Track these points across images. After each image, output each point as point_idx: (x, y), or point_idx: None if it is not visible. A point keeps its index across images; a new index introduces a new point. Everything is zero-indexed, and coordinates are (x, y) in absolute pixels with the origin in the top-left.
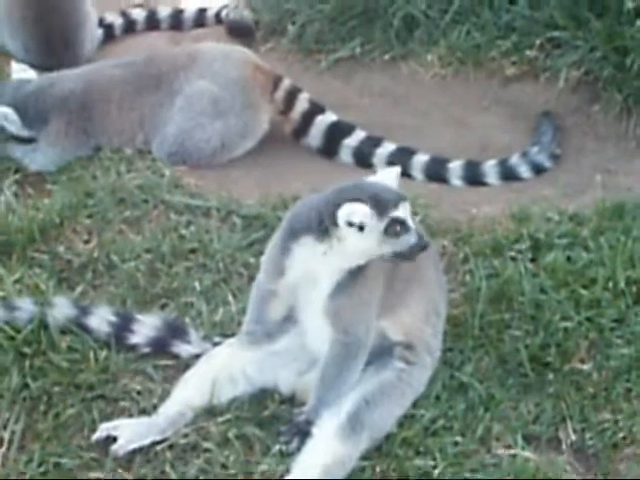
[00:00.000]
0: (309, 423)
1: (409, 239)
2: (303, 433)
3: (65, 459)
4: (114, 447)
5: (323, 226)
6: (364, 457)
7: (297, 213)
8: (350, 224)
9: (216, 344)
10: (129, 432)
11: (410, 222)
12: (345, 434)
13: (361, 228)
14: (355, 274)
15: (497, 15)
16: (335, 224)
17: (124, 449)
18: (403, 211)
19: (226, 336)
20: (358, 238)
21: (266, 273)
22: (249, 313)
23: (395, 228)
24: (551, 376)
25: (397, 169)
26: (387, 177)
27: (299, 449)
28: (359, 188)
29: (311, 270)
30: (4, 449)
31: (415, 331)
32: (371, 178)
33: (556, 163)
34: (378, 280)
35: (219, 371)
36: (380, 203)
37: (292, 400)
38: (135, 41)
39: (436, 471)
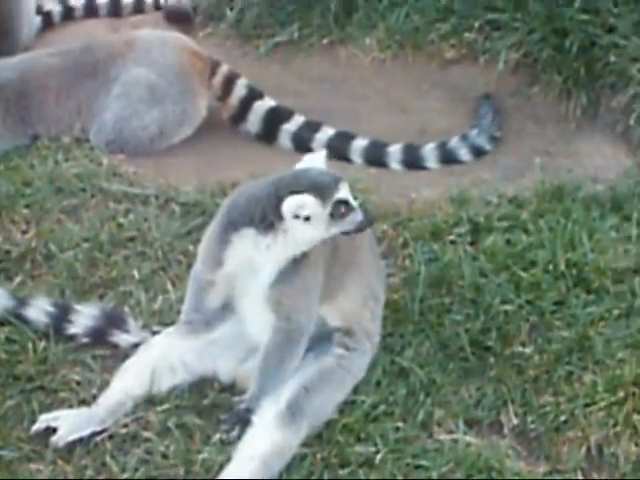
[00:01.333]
0: (249, 411)
1: (355, 217)
2: (243, 421)
3: (5, 451)
4: (54, 438)
5: (267, 221)
6: (305, 444)
7: (235, 204)
8: (296, 217)
9: (155, 333)
10: (69, 423)
11: (352, 201)
12: (284, 422)
13: (307, 218)
14: (297, 261)
15: None
16: (280, 218)
17: (64, 440)
18: (344, 191)
19: (165, 325)
20: (305, 228)
21: (203, 263)
22: (187, 302)
23: (340, 210)
24: (492, 360)
25: (323, 152)
26: (316, 161)
27: (240, 437)
28: (297, 178)
29: (251, 260)
30: None
31: (353, 316)
32: (300, 165)
33: (496, 146)
34: (319, 266)
35: (158, 360)
36: (322, 189)
37: (232, 388)
38: (74, 28)
39: (377, 457)
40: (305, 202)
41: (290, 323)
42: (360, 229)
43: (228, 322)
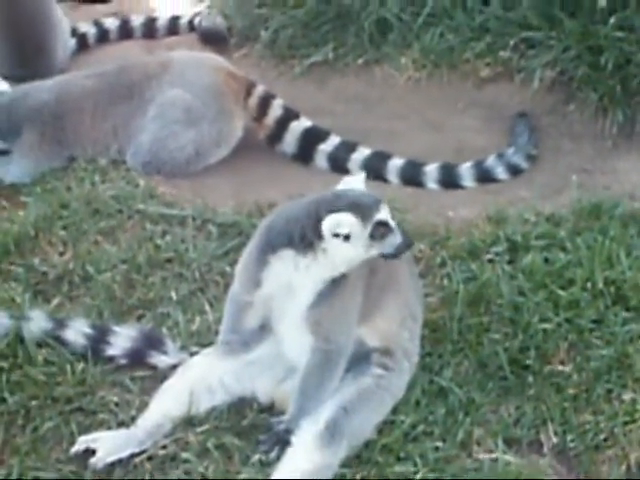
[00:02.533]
0: (288, 432)
1: (394, 239)
2: (283, 442)
3: (44, 473)
4: (92, 460)
5: (306, 240)
6: (344, 464)
7: (274, 225)
8: (336, 235)
9: (193, 354)
10: (107, 444)
11: (392, 223)
12: (324, 443)
13: (347, 237)
14: (336, 282)
15: (470, 16)
16: (319, 237)
17: (103, 462)
18: (384, 213)
19: (203, 346)
20: (345, 247)
21: (241, 284)
22: (225, 323)
23: (380, 231)
24: (531, 379)
25: (362, 174)
26: (355, 183)
27: (279, 458)
28: (337, 197)
29: (290, 282)
30: None
31: (392, 336)
32: (339, 186)
33: (532, 164)
34: (357, 287)
35: (196, 381)
36: (362, 209)
37: (271, 409)
38: (108, 50)
39: (417, 477)
40: (345, 220)
41: (329, 344)
42: (399, 252)
43: (265, 343)
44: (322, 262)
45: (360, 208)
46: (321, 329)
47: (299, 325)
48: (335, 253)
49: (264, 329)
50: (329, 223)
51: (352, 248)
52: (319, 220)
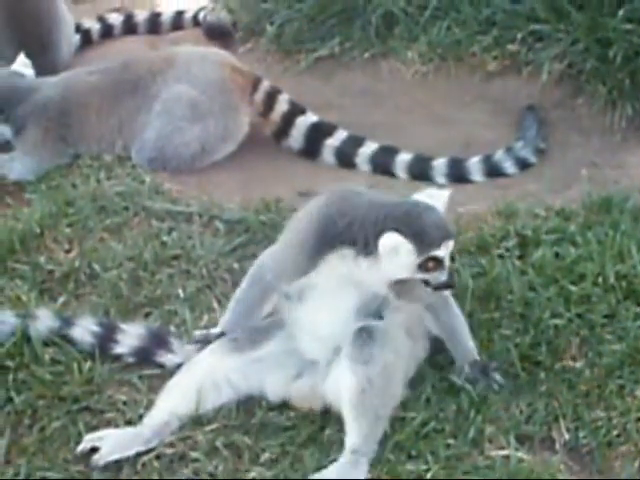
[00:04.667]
0: (481, 363)
1: (440, 276)
2: (485, 372)
3: (51, 473)
4: (95, 457)
5: (369, 248)
6: None
7: (334, 221)
8: (392, 256)
9: (198, 342)
10: (111, 443)
11: (446, 261)
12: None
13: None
14: None
15: (477, 9)
16: (377, 247)
17: (104, 459)
18: (444, 250)
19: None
20: (392, 267)
21: (279, 271)
22: (235, 310)
23: (429, 265)
24: (542, 375)
25: (447, 193)
26: (437, 199)
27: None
28: (407, 216)
29: (349, 276)
30: None
31: None
32: (419, 196)
33: (541, 158)
34: None
35: (202, 379)
36: (424, 241)
37: (280, 407)
38: (113, 46)
39: (429, 474)
40: (401, 247)
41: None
42: (438, 288)
43: (274, 339)
44: (378, 268)
45: (422, 240)
46: (416, 291)
47: (357, 310)
48: (383, 267)
49: (273, 326)
50: (386, 243)
51: (399, 270)
52: (382, 232)
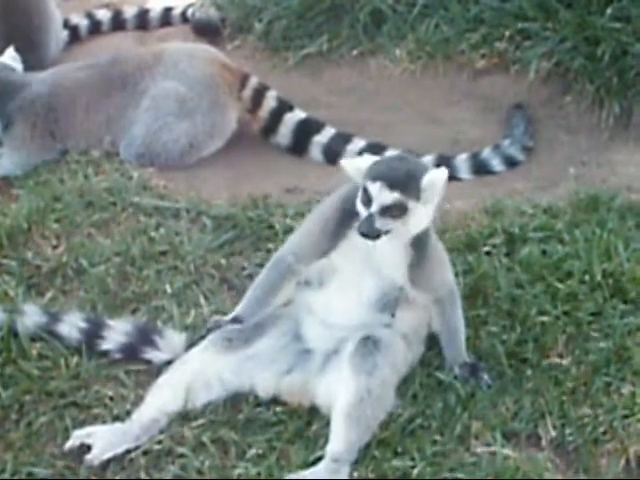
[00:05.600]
0: (467, 364)
1: (362, 215)
2: (474, 370)
3: (38, 468)
4: (88, 457)
5: None
6: None
7: (352, 195)
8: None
9: (188, 348)
10: (103, 441)
11: (374, 204)
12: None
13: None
14: (420, 246)
15: (465, 7)
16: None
17: (98, 459)
18: (373, 188)
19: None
20: (424, 210)
21: (300, 252)
22: (251, 298)
23: (364, 197)
24: (529, 372)
25: (445, 172)
26: (432, 176)
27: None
28: (392, 159)
29: (366, 255)
30: None
31: None
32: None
33: (529, 156)
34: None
35: (194, 376)
36: (370, 168)
37: (268, 403)
38: (101, 42)
39: (415, 471)
40: (359, 164)
41: (444, 289)
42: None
43: (266, 337)
44: (399, 229)
45: (371, 166)
46: (432, 282)
47: (375, 300)
48: (414, 215)
49: (265, 323)
50: (431, 178)
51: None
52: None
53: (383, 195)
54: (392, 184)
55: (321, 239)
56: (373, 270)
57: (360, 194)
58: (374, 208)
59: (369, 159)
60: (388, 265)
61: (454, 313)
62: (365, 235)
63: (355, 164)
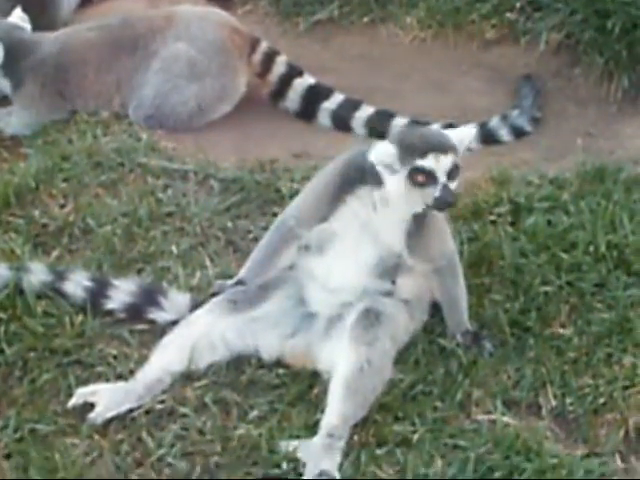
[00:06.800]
0: (469, 332)
1: (433, 192)
2: (477, 339)
3: (41, 425)
4: (92, 415)
5: (375, 174)
6: None
7: (353, 161)
8: (380, 164)
9: (192, 309)
10: (106, 399)
11: (440, 176)
12: None
13: (392, 170)
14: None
15: None
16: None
17: (102, 417)
18: (430, 161)
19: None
20: (391, 180)
21: (300, 216)
22: (256, 258)
23: (418, 177)
24: (531, 341)
25: (472, 131)
26: (462, 132)
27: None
28: (407, 132)
29: (367, 223)
30: None
31: None
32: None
33: (536, 127)
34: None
35: (199, 337)
36: (407, 148)
37: (270, 365)
38: (112, 4)
39: (415, 436)
40: (385, 151)
41: (443, 259)
42: (437, 207)
43: (270, 300)
44: (386, 198)
45: (406, 147)
46: (430, 251)
47: (373, 266)
48: (387, 186)
49: (270, 286)
50: (376, 150)
51: (396, 183)
52: None
53: (442, 162)
54: (442, 149)
55: (321, 203)
56: (371, 236)
57: (408, 178)
58: (442, 177)
59: (389, 146)
60: (386, 232)
61: (455, 283)
62: (450, 204)
63: (383, 153)
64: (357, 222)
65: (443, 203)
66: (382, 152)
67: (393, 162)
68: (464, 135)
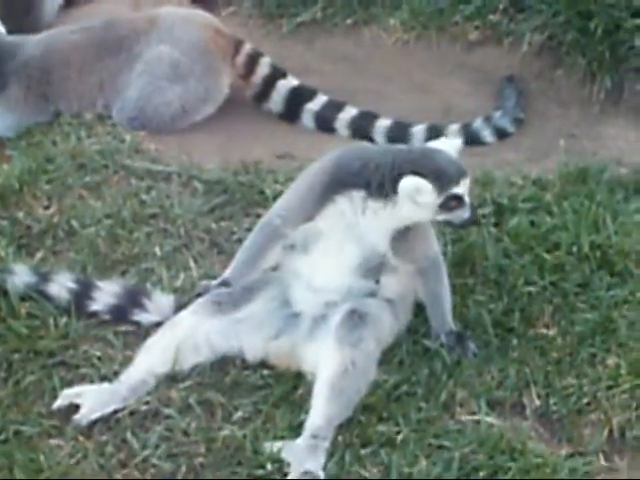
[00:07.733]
0: (452, 332)
1: (462, 213)
2: (460, 339)
3: (25, 427)
4: (76, 417)
5: (383, 190)
6: None
7: (346, 164)
8: (414, 199)
9: (177, 311)
10: (91, 401)
11: (467, 198)
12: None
13: (425, 203)
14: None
15: None
16: (394, 191)
17: (87, 419)
18: (463, 187)
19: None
20: (413, 209)
21: (286, 215)
22: (241, 259)
23: (451, 204)
24: (515, 341)
25: (459, 142)
26: (449, 147)
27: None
28: (424, 158)
29: (354, 223)
30: None
31: None
32: (434, 144)
33: (519, 128)
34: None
35: (183, 339)
36: (442, 179)
37: (254, 366)
38: (96, 6)
39: (399, 437)
40: (423, 188)
41: (429, 259)
42: (462, 226)
43: (255, 301)
44: (390, 212)
45: (441, 178)
46: (415, 252)
47: (354, 263)
48: (403, 209)
49: (254, 287)
50: (407, 185)
51: (420, 211)
52: (400, 176)
53: (467, 185)
54: (466, 174)
55: (308, 202)
56: (355, 236)
57: (442, 206)
58: (467, 199)
59: (421, 182)
60: (372, 234)
61: (438, 284)
62: (477, 222)
63: (421, 190)
64: (343, 222)
65: (472, 222)
66: (418, 189)
67: (429, 197)
68: (456, 148)
